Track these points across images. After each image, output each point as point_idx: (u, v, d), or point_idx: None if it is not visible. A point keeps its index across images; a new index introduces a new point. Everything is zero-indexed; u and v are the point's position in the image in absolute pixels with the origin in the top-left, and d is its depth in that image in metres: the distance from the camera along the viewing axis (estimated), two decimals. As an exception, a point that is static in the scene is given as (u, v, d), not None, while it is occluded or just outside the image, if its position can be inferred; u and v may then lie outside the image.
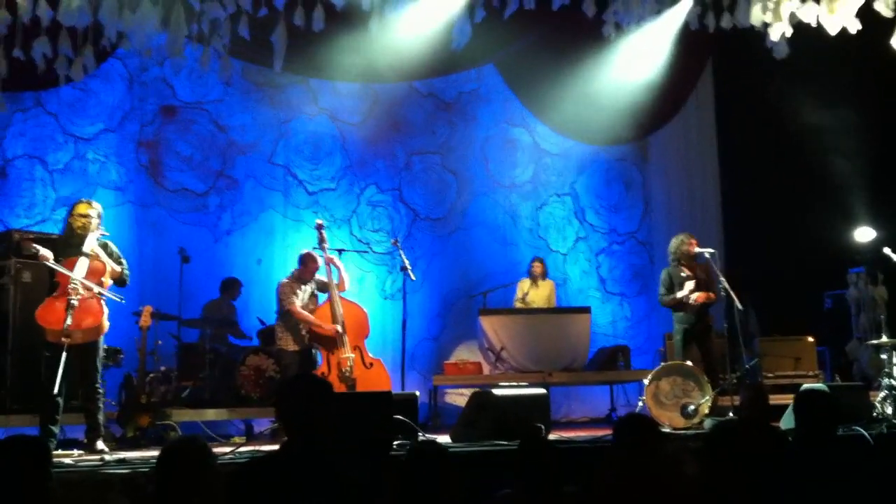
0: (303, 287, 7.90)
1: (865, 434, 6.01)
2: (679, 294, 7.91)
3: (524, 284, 10.01)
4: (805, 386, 7.34)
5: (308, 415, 3.34)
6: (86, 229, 6.33)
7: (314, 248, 8.01)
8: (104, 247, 6.46)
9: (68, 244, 6.35)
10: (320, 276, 7.98)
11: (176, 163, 9.72)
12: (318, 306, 7.94)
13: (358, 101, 10.58)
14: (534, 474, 3.84)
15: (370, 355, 7.91)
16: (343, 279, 7.99)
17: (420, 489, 3.58)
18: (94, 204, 6.53)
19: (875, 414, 7.24)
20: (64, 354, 5.89)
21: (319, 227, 8.10)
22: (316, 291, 7.99)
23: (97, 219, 6.42)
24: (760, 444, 3.92)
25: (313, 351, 7.92)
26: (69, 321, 5.95)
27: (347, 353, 7.72)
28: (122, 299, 6.52)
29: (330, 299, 7.87)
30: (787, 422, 7.00)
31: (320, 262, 7.94)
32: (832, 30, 7.02)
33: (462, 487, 3.75)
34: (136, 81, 9.61)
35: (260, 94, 10.18)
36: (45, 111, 9.13)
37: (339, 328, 7.74)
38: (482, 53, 10.17)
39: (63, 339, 5.92)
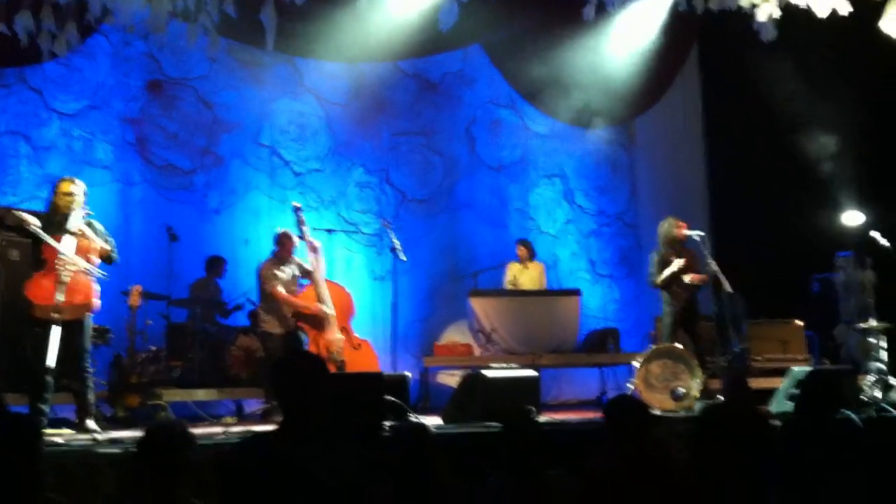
0: (283, 268, 7.81)
1: (854, 418, 6.05)
2: (665, 273, 7.91)
3: (513, 268, 10.02)
4: (804, 368, 7.41)
5: (307, 393, 3.33)
6: (68, 208, 6.26)
7: (297, 235, 7.91)
8: (89, 225, 6.38)
9: (51, 222, 6.25)
10: (301, 260, 7.90)
11: (162, 139, 9.63)
12: (299, 289, 7.88)
13: (343, 82, 10.50)
14: (519, 456, 3.86)
15: (357, 336, 7.88)
16: (320, 260, 7.91)
17: (404, 469, 3.58)
18: (78, 182, 6.44)
19: (863, 398, 7.31)
20: (55, 330, 5.84)
21: (297, 210, 7.99)
22: (297, 274, 7.91)
23: (82, 197, 6.35)
24: (745, 427, 3.94)
25: (299, 333, 7.87)
26: (60, 297, 5.89)
27: (335, 335, 7.69)
28: (104, 275, 6.43)
29: (314, 283, 7.81)
30: (776, 405, 7.06)
31: (297, 240, 7.86)
32: (821, 12, 6.99)
33: (448, 467, 3.76)
34: (121, 57, 9.49)
35: (245, 72, 10.08)
36: (28, 87, 9.00)
37: (326, 309, 7.70)
38: (469, 34, 10.09)
39: (53, 315, 5.87)
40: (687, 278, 7.89)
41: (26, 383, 6.26)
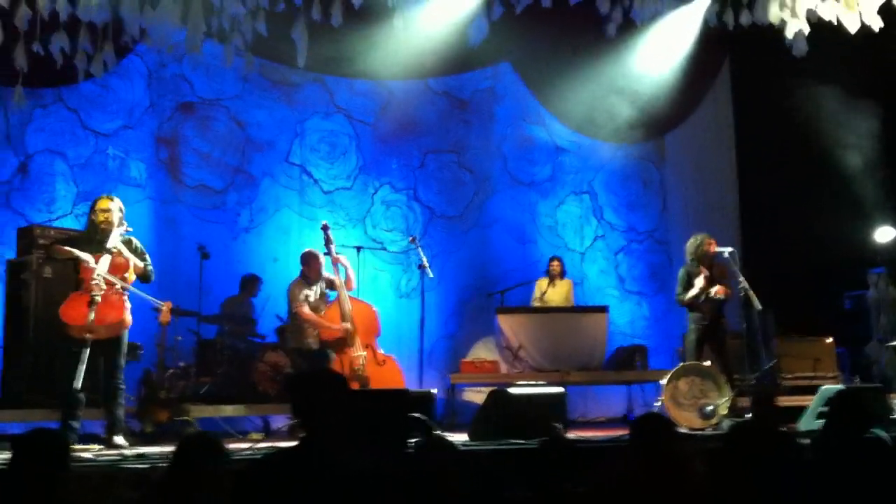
0: (312, 288, 7.86)
1: (885, 436, 5.96)
2: (691, 293, 7.86)
3: (542, 284, 10.00)
4: (834, 387, 7.31)
5: (323, 410, 3.35)
6: (108, 224, 6.35)
7: (324, 254, 7.97)
8: (128, 243, 6.47)
9: (91, 240, 6.37)
10: (328, 273, 7.95)
11: (194, 159, 9.76)
12: (328, 305, 7.92)
13: (373, 100, 10.61)
14: (552, 474, 3.85)
15: (382, 352, 7.90)
16: (350, 278, 7.96)
17: (431, 485, 3.59)
18: (115, 199, 6.54)
19: (894, 416, 7.20)
20: (86, 350, 5.91)
21: (325, 229, 8.03)
22: (325, 289, 7.96)
23: (119, 213, 6.44)
24: (766, 447, 3.91)
25: (327, 350, 7.90)
26: (92, 317, 5.97)
27: (358, 352, 7.71)
28: (159, 305, 6.58)
29: (338, 298, 7.86)
30: (806, 423, 6.97)
31: (323, 259, 7.91)
32: (851, 27, 6.96)
33: (474, 484, 3.76)
34: (155, 77, 9.65)
35: (277, 92, 10.21)
36: (65, 106, 9.16)
37: (349, 326, 7.73)
38: (498, 51, 10.20)
39: (86, 335, 5.95)
40: (713, 290, 7.83)
41: (58, 399, 6.36)
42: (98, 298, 6.04)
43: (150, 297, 6.60)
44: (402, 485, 3.50)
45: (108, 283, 6.17)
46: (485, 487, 4.01)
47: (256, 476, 3.28)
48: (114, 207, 6.41)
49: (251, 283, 9.32)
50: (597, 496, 3.78)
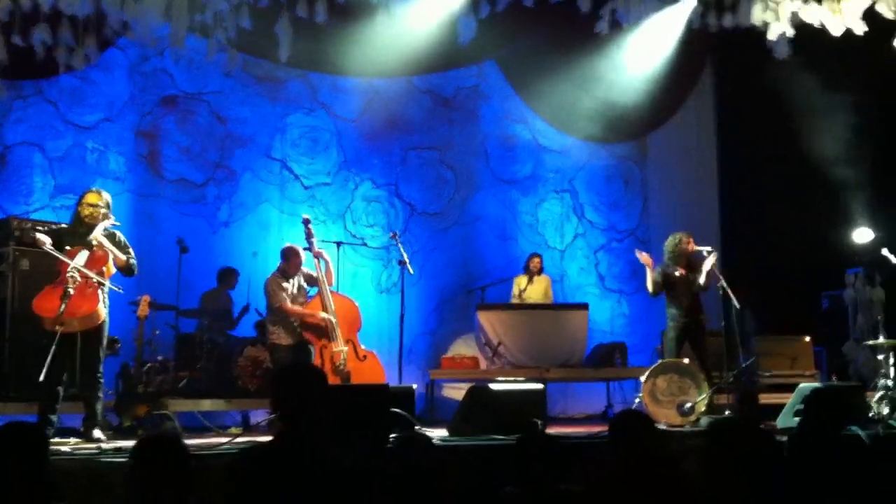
0: (290, 281, 7.84)
1: (861, 434, 6.02)
2: (649, 279, 7.96)
3: (521, 281, 10.02)
4: (811, 385, 7.39)
5: (302, 404, 3.35)
6: (94, 218, 6.35)
7: (304, 248, 7.95)
8: (111, 236, 6.46)
9: (75, 233, 6.37)
10: (308, 269, 7.93)
11: (175, 153, 9.72)
12: (307, 300, 7.91)
13: (356, 97, 10.59)
14: (532, 470, 3.86)
15: (363, 348, 7.88)
16: (329, 272, 7.94)
17: (409, 480, 3.59)
18: (104, 194, 6.55)
19: (871, 414, 7.28)
20: (55, 344, 5.86)
21: (306, 222, 8.01)
22: (304, 284, 7.94)
23: (106, 208, 6.44)
24: (749, 444, 3.94)
25: (307, 344, 7.88)
26: (62, 309, 5.93)
27: (340, 347, 7.69)
28: (119, 289, 6.53)
29: (320, 293, 7.84)
30: (783, 420, 7.03)
31: (304, 255, 7.89)
32: (835, 31, 7.02)
33: (453, 479, 3.76)
34: (136, 71, 9.60)
35: (259, 87, 10.18)
36: (44, 99, 9.11)
37: (332, 318, 7.72)
38: (483, 50, 10.19)
39: (56, 328, 5.91)
40: (700, 279, 7.88)
41: (35, 393, 6.31)
42: (71, 291, 6.00)
43: (113, 286, 6.52)
44: (382, 479, 3.50)
45: (83, 276, 6.13)
46: (464, 483, 4.02)
47: (235, 470, 3.27)
48: (101, 202, 6.42)
49: (228, 276, 9.29)
50: (585, 495, 3.79)
